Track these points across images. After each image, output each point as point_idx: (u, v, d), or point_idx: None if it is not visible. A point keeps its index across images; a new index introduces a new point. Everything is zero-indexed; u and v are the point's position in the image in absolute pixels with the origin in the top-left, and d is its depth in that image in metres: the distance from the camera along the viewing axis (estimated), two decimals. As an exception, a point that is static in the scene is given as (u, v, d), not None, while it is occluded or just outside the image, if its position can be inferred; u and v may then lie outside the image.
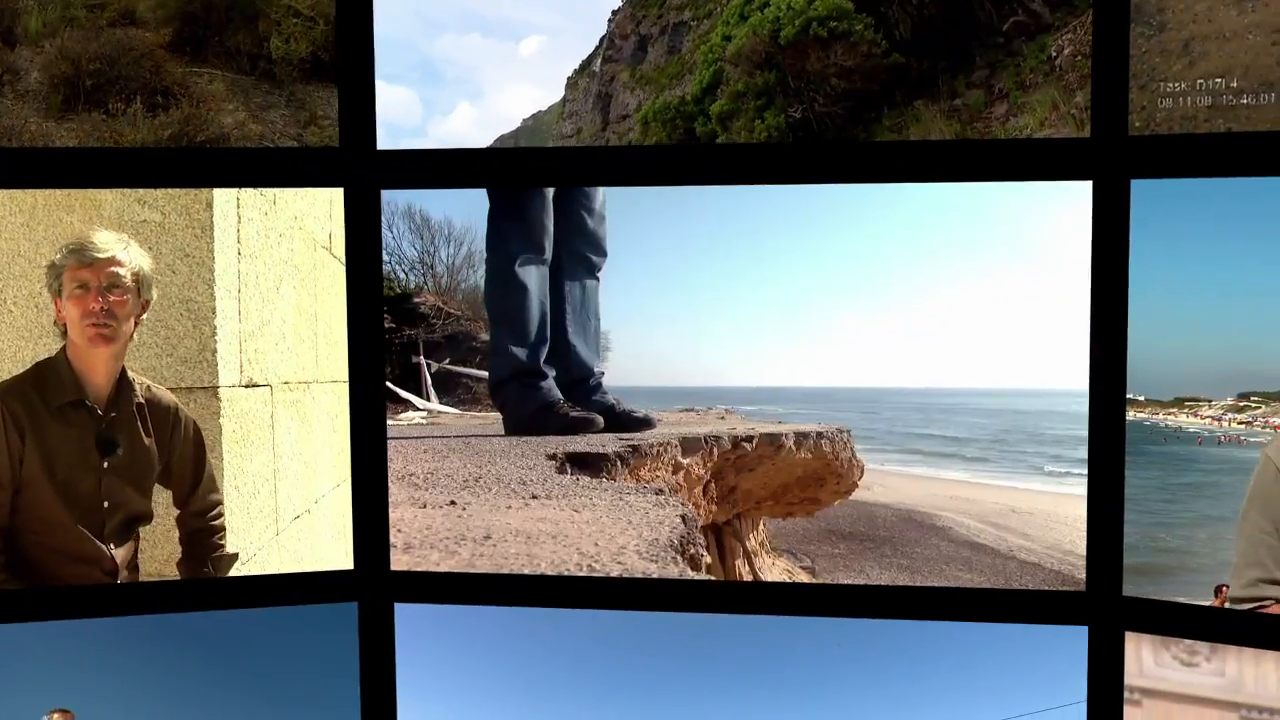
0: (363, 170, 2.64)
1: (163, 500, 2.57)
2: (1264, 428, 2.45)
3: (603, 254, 3.00)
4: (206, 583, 2.69)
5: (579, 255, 3.03)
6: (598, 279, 3.04)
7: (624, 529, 2.69)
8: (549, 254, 3.02)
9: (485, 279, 3.02)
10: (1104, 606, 2.50)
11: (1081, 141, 2.45)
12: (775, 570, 3.09)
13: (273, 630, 2.71)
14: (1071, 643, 2.52)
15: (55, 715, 2.68)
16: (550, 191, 2.96)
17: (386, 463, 2.73)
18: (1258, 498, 2.38)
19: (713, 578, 2.81)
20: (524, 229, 2.98)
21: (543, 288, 3.04)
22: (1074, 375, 2.45)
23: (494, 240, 2.95)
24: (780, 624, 2.66)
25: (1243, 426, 2.48)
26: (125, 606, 2.65)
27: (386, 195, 2.68)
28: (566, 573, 2.61)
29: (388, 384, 2.75)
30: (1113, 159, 2.39)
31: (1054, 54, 2.92)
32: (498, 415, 3.09)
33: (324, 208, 2.86)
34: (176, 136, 2.72)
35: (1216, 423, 2.50)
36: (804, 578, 3.02)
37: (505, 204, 2.92)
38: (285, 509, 2.93)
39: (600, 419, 3.04)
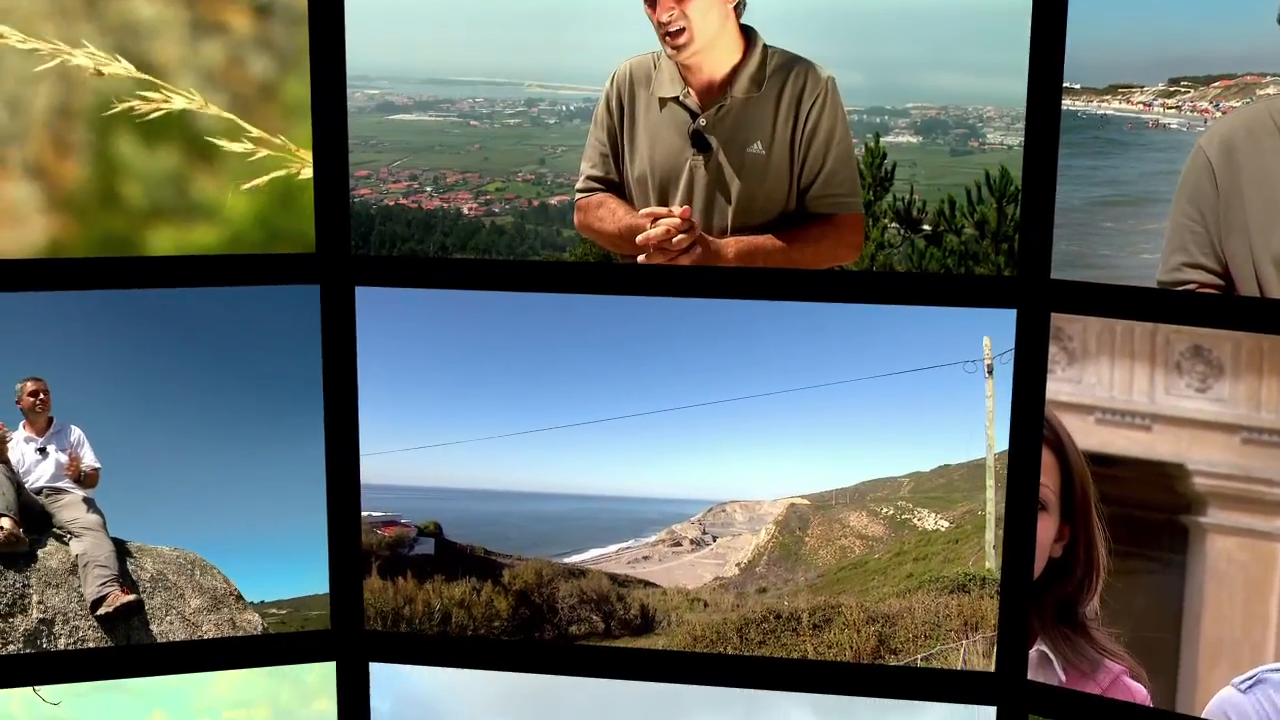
0: None
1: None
2: (1192, 113, 2.54)
3: None
4: (171, 260, 2.76)
5: None
6: None
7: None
8: None
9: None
10: (1033, 289, 2.61)
11: None
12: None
13: (239, 310, 2.81)
14: (1001, 325, 2.65)
15: (28, 383, 2.79)
16: None
17: (347, 151, 2.79)
18: (1187, 186, 2.49)
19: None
20: None
21: None
22: (1013, 65, 2.51)
23: None
24: (734, 307, 2.76)
25: (1174, 111, 2.56)
26: (93, 280, 2.73)
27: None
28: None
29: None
30: None
31: None
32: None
33: None
34: None
35: (1147, 108, 2.58)
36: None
37: None
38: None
39: None
